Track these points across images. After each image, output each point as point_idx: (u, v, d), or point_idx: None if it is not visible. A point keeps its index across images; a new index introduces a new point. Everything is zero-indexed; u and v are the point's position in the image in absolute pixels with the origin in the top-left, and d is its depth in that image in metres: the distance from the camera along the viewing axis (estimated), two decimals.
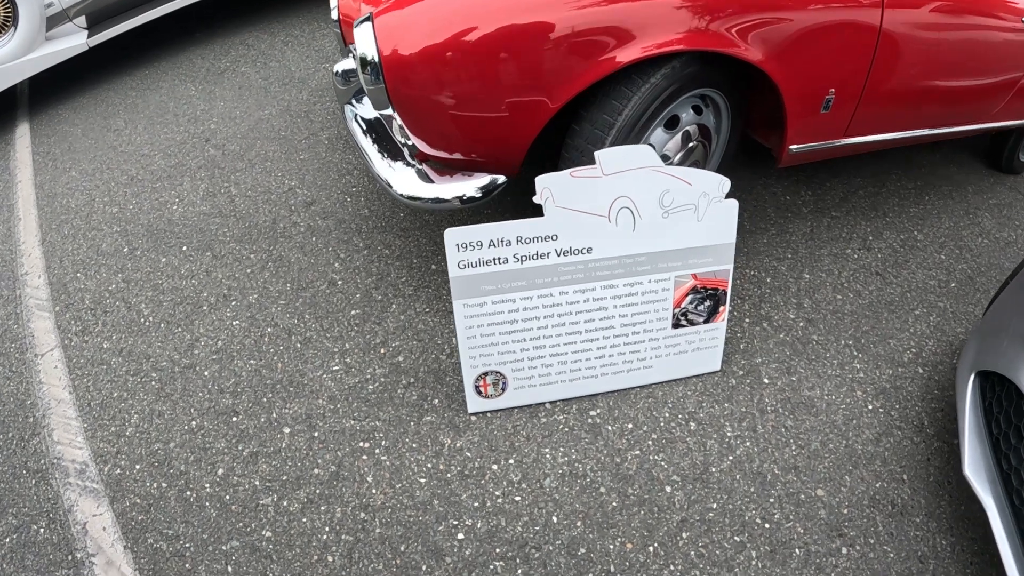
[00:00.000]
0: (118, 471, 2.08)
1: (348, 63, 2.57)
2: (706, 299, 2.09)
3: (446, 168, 2.23)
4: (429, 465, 2.08)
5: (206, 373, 2.38)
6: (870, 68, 2.35)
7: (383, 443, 2.14)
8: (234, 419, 2.23)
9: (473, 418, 2.16)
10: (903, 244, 2.86)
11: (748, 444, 2.12)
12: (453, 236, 1.85)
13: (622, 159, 1.85)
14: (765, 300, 2.53)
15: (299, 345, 2.44)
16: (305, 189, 3.04)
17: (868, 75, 2.38)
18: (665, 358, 2.15)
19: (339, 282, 2.62)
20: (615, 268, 1.97)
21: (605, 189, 1.86)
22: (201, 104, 3.70)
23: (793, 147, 2.42)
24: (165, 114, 3.70)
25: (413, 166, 2.26)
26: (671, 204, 1.92)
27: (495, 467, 2.06)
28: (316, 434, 2.18)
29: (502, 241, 1.86)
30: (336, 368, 2.35)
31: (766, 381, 2.28)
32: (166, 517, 1.95)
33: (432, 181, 2.19)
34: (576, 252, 1.92)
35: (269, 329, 2.50)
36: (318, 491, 2.03)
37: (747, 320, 2.46)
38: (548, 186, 1.83)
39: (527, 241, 1.87)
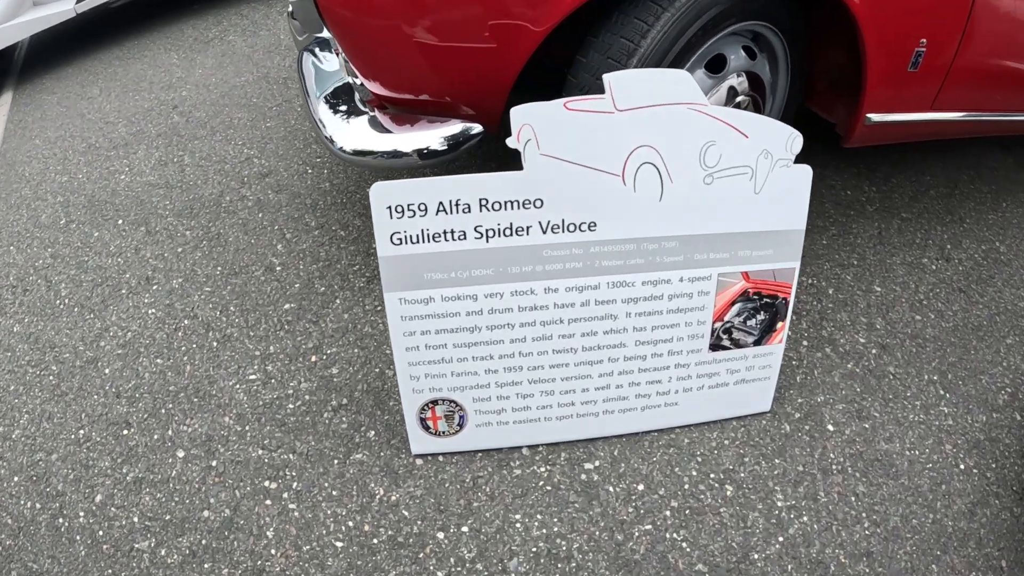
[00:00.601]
0: None
1: None
2: (760, 310, 1.27)
3: (407, 114, 1.46)
4: (351, 523, 1.30)
5: (107, 371, 1.66)
6: (969, 16, 1.55)
7: (294, 485, 1.37)
8: (124, 432, 1.52)
9: (418, 462, 1.37)
10: (985, 256, 2.03)
11: (805, 519, 1.31)
12: (383, 194, 1.07)
13: (646, 88, 1.06)
14: (827, 317, 1.70)
15: (215, 344, 1.68)
16: (264, 159, 2.27)
17: (966, 26, 1.57)
18: (697, 392, 1.32)
19: (278, 268, 1.85)
20: (630, 256, 1.17)
21: (618, 133, 1.07)
22: (179, 72, 2.97)
23: (872, 116, 1.61)
24: (141, 82, 2.98)
25: (365, 113, 1.50)
26: (717, 163, 1.13)
27: (441, 536, 1.27)
28: (214, 463, 1.43)
29: (457, 205, 1.07)
30: (253, 377, 1.58)
31: (830, 428, 1.47)
32: (34, 547, 1.33)
33: (388, 131, 1.42)
34: (571, 228, 1.12)
35: (186, 321, 1.75)
36: (204, 541, 1.30)
37: (805, 343, 1.63)
38: (530, 122, 1.04)
39: (496, 207, 1.08)
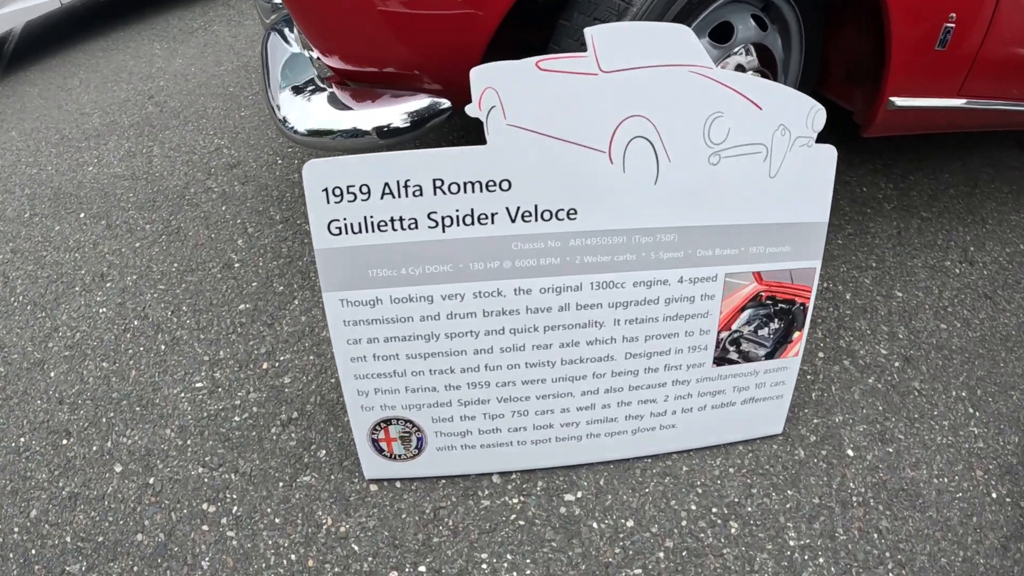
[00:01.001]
0: None
1: None
2: (774, 318, 1.03)
3: (370, 89, 1.24)
4: (293, 557, 1.08)
5: (52, 374, 1.48)
6: None
7: (234, 510, 1.15)
8: (64, 442, 1.34)
9: (372, 488, 1.14)
10: (1010, 259, 1.79)
11: (821, 561, 1.08)
12: (318, 173, 0.84)
13: (638, 44, 0.83)
14: (845, 326, 1.46)
15: (163, 347, 1.46)
16: (234, 149, 2.06)
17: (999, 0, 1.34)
18: (698, 413, 1.08)
19: (236, 264, 1.63)
20: (619, 251, 0.93)
21: (604, 100, 0.85)
22: (160, 62, 2.76)
23: (896, 100, 1.38)
24: (121, 72, 2.78)
25: (323, 91, 1.28)
26: (724, 140, 0.90)
27: None
28: (151, 480, 1.23)
29: (407, 187, 0.85)
30: (199, 385, 1.36)
31: (850, 453, 1.23)
32: None
33: (348, 108, 1.20)
34: (546, 216, 0.90)
35: (136, 322, 1.54)
36: (136, 568, 1.12)
37: (821, 355, 1.39)
38: (494, 86, 0.82)
39: (453, 189, 0.86)
